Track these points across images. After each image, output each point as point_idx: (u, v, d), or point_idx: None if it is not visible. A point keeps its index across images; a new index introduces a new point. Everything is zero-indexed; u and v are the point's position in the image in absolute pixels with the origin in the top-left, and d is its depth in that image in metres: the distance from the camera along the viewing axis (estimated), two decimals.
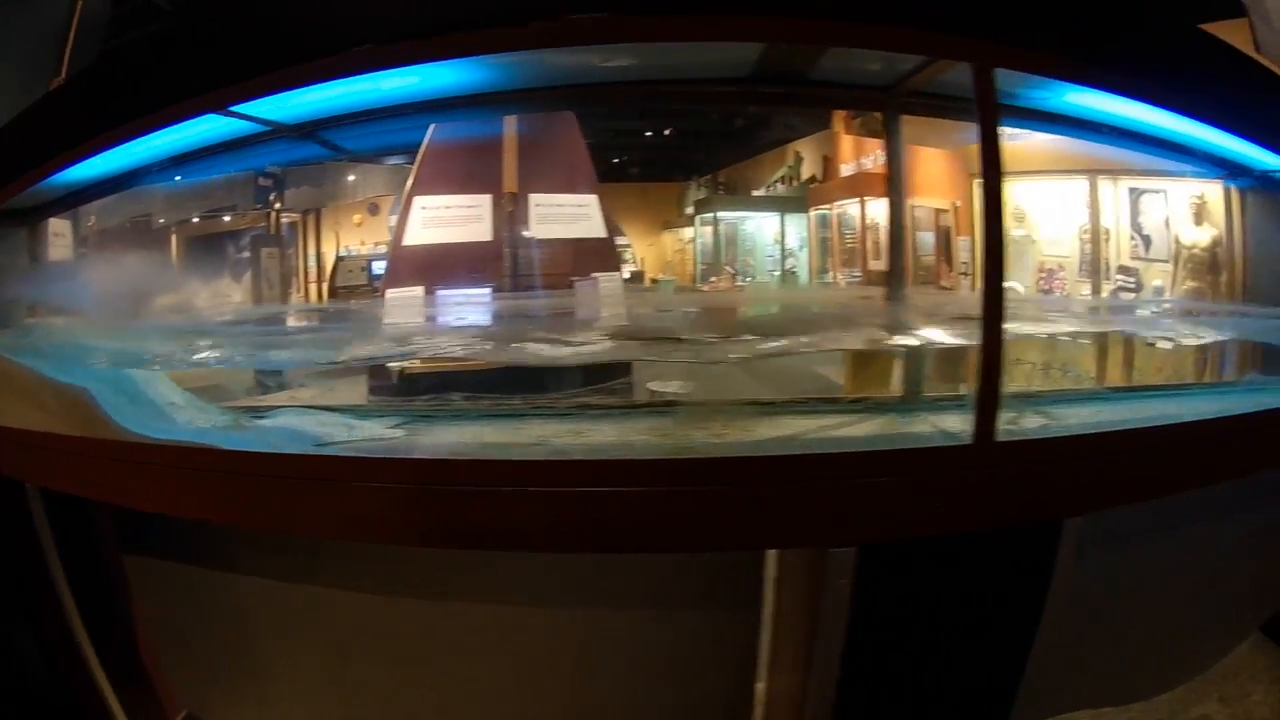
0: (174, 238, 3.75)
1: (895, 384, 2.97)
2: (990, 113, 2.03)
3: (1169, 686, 3.75)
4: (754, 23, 2.01)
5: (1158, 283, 3.83)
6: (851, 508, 1.98)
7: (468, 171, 3.35)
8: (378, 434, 2.57)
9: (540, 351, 2.62)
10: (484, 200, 3.32)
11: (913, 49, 2.17)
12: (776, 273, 4.46)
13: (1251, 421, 2.59)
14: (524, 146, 3.34)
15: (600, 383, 2.88)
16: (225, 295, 3.65)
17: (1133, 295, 3.75)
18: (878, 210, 3.44)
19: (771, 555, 2.27)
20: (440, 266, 3.30)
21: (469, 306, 3.26)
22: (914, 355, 2.87)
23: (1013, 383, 2.44)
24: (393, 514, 2.01)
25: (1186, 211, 3.91)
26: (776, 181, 4.82)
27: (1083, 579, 2.52)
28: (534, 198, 3.32)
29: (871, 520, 2.00)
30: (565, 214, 3.38)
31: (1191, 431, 2.42)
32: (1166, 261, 3.86)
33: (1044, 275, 3.70)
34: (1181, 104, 2.68)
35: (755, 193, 4.93)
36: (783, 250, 4.44)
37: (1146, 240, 3.83)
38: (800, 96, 2.81)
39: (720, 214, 4.86)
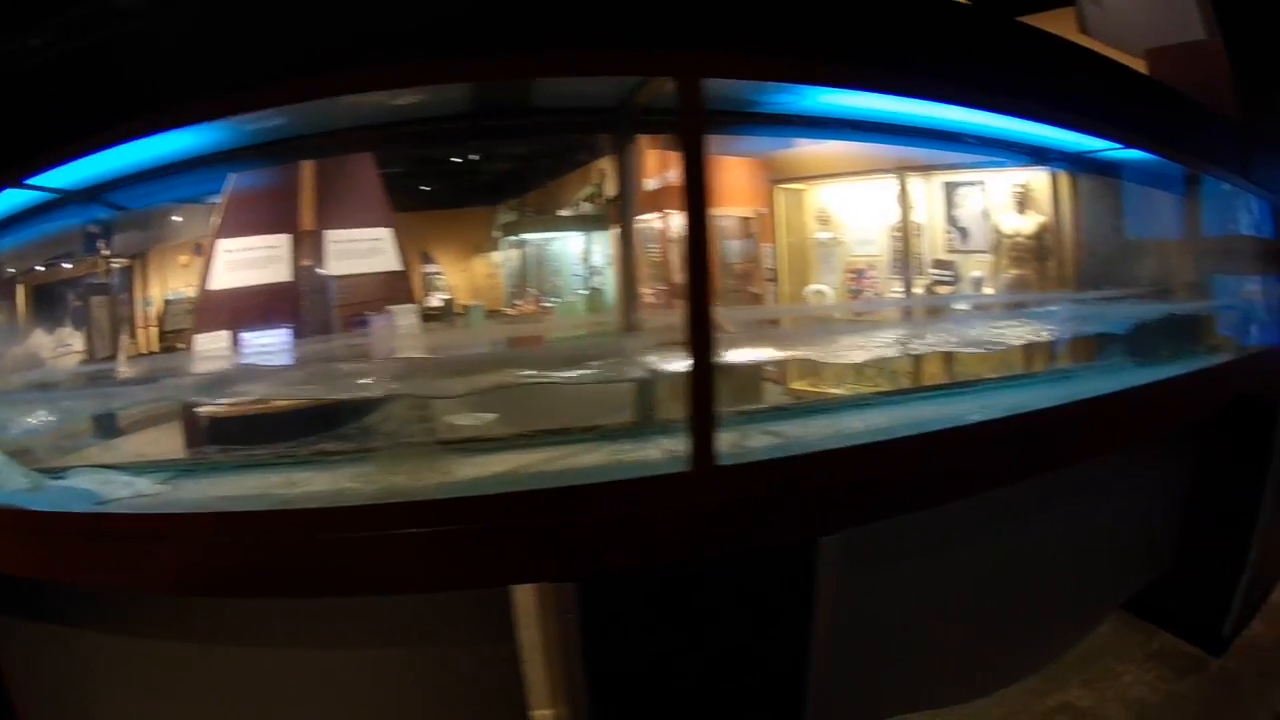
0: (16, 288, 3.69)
1: (650, 408, 2.89)
2: (696, 124, 1.98)
3: (1009, 681, 3.76)
4: (452, 66, 2.00)
5: (977, 273, 3.86)
6: (559, 542, 1.96)
7: (270, 213, 3.33)
8: (145, 490, 2.59)
9: (300, 395, 2.67)
10: (283, 240, 3.31)
11: (624, 70, 2.13)
12: (584, 292, 4.45)
13: (1016, 424, 2.62)
14: (322, 185, 3.33)
15: (348, 425, 2.78)
16: (65, 344, 3.57)
17: (950, 288, 3.77)
18: (678, 223, 3.44)
19: (518, 590, 2.23)
20: (244, 309, 3.28)
21: (265, 350, 3.21)
22: (656, 378, 2.79)
23: (743, 400, 2.48)
24: (147, 565, 2.07)
25: (1009, 200, 3.97)
26: (582, 200, 4.77)
27: (865, 589, 2.51)
28: (330, 234, 3.31)
29: (583, 553, 1.97)
30: (360, 249, 3.38)
31: (941, 440, 2.41)
32: (986, 252, 3.90)
33: (853, 275, 3.73)
34: (972, 97, 2.68)
35: (561, 213, 4.88)
36: (587, 269, 4.43)
37: (964, 232, 3.87)
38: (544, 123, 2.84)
39: (526, 236, 4.87)
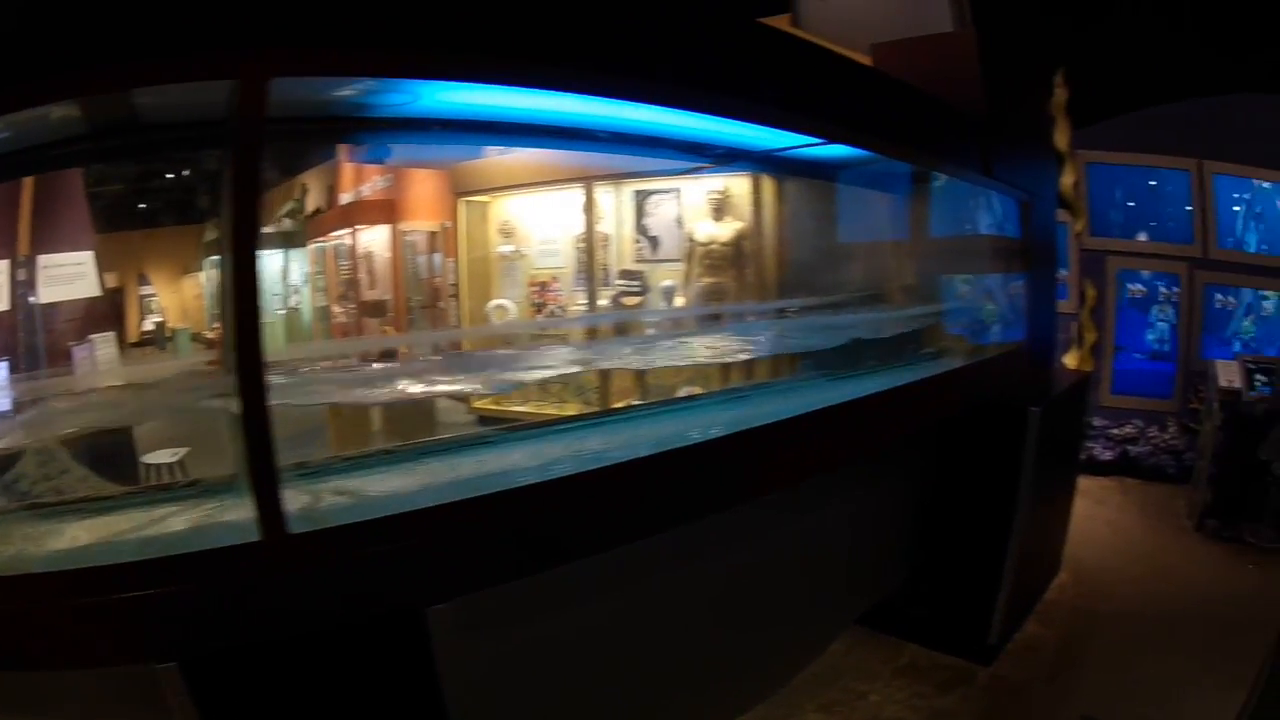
0: None
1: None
2: (252, 132, 1.77)
3: (728, 718, 3.66)
4: None
5: (667, 283, 3.83)
6: (136, 620, 1.77)
7: None
8: None
9: None
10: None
11: (187, 77, 1.83)
12: (282, 311, 4.25)
13: (671, 459, 2.54)
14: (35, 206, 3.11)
15: None
16: None
17: (639, 299, 3.70)
18: (370, 239, 3.44)
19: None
20: None
21: None
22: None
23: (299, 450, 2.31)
24: None
25: (706, 207, 3.95)
26: (284, 216, 4.59)
27: (511, 648, 2.39)
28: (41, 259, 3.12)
29: (159, 632, 1.78)
30: (65, 274, 3.19)
31: (598, 480, 2.32)
32: (678, 261, 3.89)
33: (536, 289, 3.65)
34: (650, 94, 2.56)
35: (264, 229, 4.60)
36: (285, 287, 4.24)
37: (654, 241, 3.86)
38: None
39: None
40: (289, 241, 4.13)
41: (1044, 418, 4.92)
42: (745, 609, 3.54)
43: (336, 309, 3.53)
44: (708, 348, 3.57)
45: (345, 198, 3.57)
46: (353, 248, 3.51)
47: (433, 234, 3.49)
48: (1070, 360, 9.66)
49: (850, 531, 4.43)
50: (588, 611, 2.72)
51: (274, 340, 3.23)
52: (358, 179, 3.48)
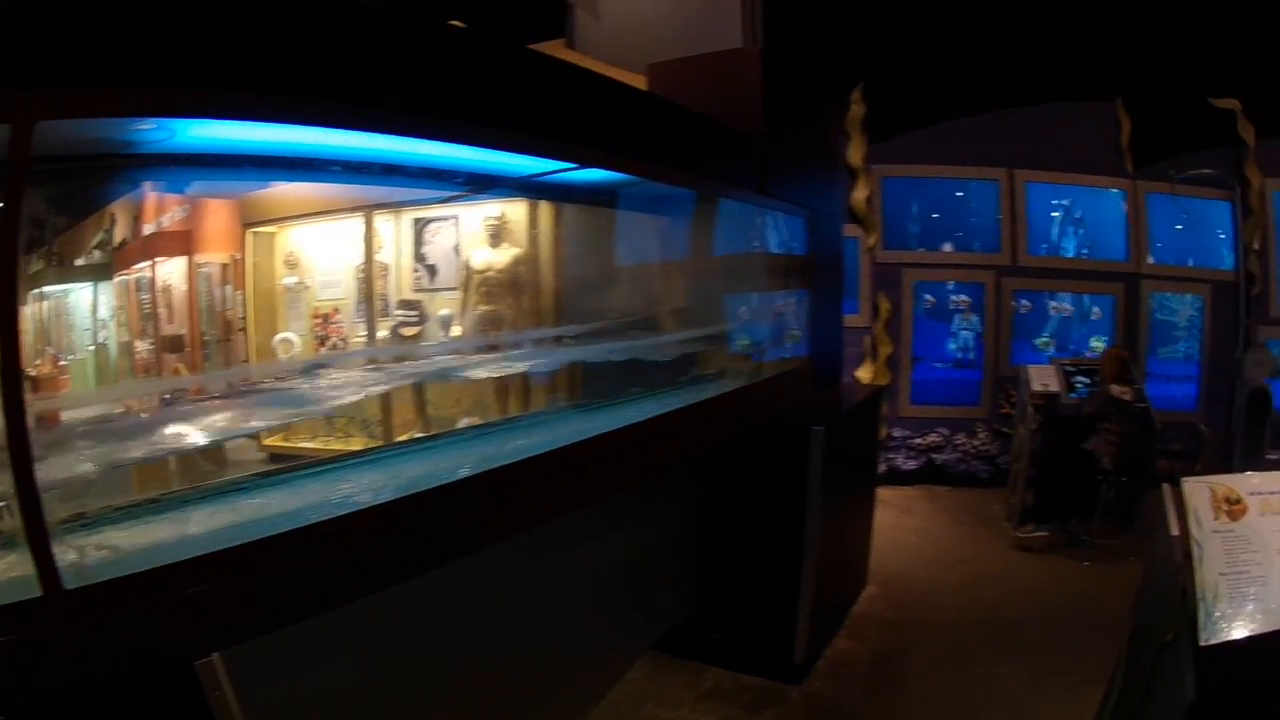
0: None
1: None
2: (18, 174, 1.94)
3: None
4: None
5: (445, 311, 4.14)
6: None
7: None
8: None
9: None
10: None
11: None
12: (91, 348, 4.34)
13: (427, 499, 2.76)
14: None
15: None
16: None
17: (416, 329, 4.01)
18: (167, 271, 3.54)
19: None
20: None
21: None
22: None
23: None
24: None
25: (483, 234, 4.26)
26: (95, 248, 4.64)
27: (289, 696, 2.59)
28: None
29: None
30: None
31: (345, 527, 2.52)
32: (455, 289, 4.18)
33: (319, 321, 3.87)
34: (409, 126, 2.84)
35: (77, 261, 4.77)
36: (95, 322, 4.34)
37: (432, 270, 4.15)
38: None
39: (45, 289, 4.71)
40: (98, 275, 4.27)
41: (828, 435, 5.26)
42: (526, 641, 3.81)
43: (139, 344, 3.66)
44: (473, 379, 3.83)
45: (147, 229, 3.64)
46: (152, 280, 3.59)
47: (224, 266, 3.59)
48: (864, 374, 10.52)
49: (630, 558, 4.71)
50: (366, 652, 2.92)
51: (83, 380, 3.51)
52: (159, 210, 3.58)
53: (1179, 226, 11.60)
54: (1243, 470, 8.67)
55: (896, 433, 10.84)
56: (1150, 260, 11.46)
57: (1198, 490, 3.10)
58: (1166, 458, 10.69)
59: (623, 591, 4.71)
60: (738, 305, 5.77)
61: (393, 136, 2.91)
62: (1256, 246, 11.27)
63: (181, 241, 3.57)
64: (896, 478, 10.58)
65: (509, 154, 3.50)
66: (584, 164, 3.80)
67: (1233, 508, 3.12)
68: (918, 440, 10.82)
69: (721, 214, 5.32)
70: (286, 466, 3.22)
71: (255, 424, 3.09)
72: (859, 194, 10.76)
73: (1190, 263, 11.61)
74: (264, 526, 2.48)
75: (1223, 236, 11.61)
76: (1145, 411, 8.96)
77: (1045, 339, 11.34)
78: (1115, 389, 8.47)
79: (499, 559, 3.43)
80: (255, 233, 3.73)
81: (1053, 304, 11.41)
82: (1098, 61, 11.95)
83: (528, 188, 4.15)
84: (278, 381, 3.37)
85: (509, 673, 3.72)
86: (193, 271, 3.57)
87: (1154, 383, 11.17)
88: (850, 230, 10.62)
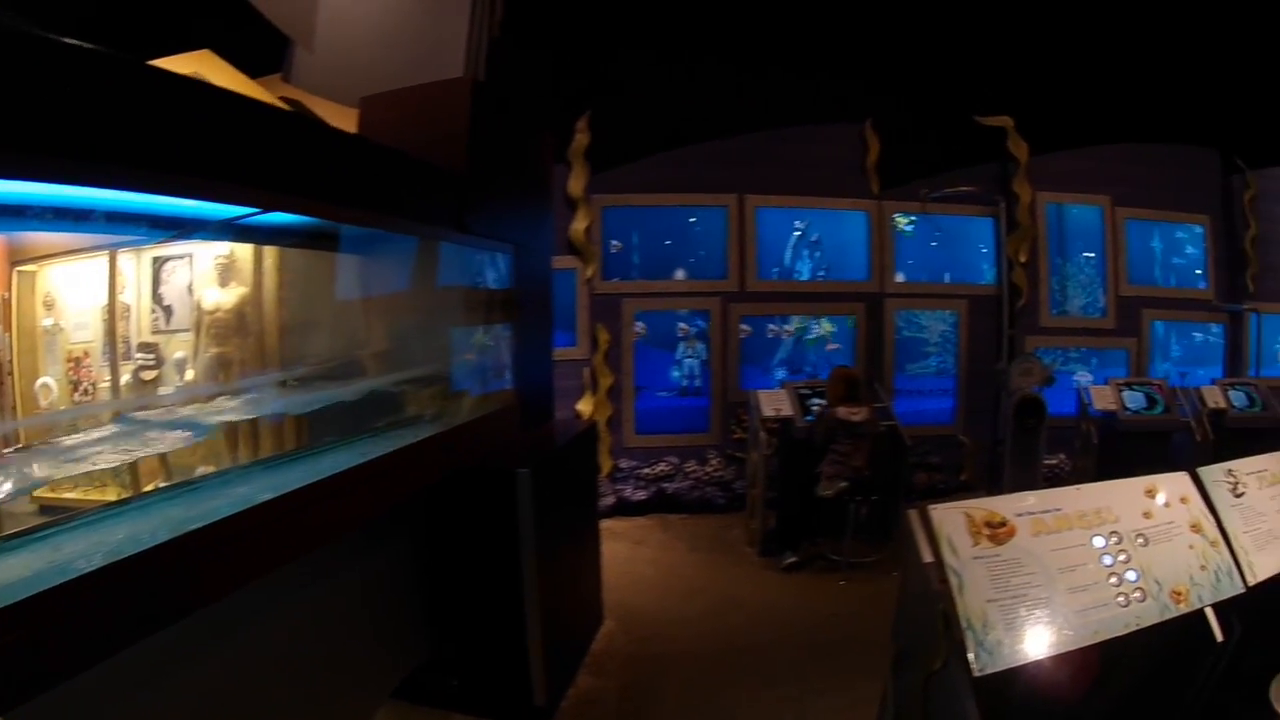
0: None
1: None
2: None
3: None
4: None
5: (180, 354, 4.46)
6: None
7: None
8: None
9: None
10: None
11: None
12: None
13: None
14: None
15: None
16: None
17: (155, 373, 4.35)
18: None
19: None
20: None
21: None
22: None
23: None
24: None
25: (213, 272, 4.60)
26: None
27: None
28: None
29: None
30: None
31: None
32: (189, 331, 4.50)
33: (72, 365, 4.18)
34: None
35: None
36: None
37: (169, 311, 4.46)
38: None
39: None
40: None
41: (536, 476, 5.71)
42: (252, 699, 4.11)
43: None
44: (166, 433, 3.98)
45: None
46: None
47: None
48: (585, 406, 11.33)
49: (355, 608, 5.12)
50: None
51: None
52: None
53: (934, 244, 13.21)
54: (1015, 477, 10.53)
55: (624, 464, 11.84)
56: (902, 278, 13.01)
57: (949, 517, 3.23)
58: (925, 470, 12.41)
59: (351, 642, 5.07)
60: (442, 345, 6.19)
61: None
62: (1024, 259, 13.01)
63: None
64: (627, 509, 11.60)
65: (169, 196, 3.59)
66: (235, 203, 4.00)
67: (996, 531, 3.31)
68: (646, 470, 11.87)
69: (424, 252, 5.82)
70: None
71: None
72: (578, 224, 11.76)
73: (947, 279, 13.25)
74: None
75: (985, 251, 13.39)
76: (891, 429, 10.17)
77: (784, 362, 12.75)
78: (843, 411, 9.26)
79: (215, 620, 3.64)
80: (19, 271, 3.98)
81: (785, 327, 12.68)
82: (847, 85, 13.39)
83: (232, 229, 4.39)
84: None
85: None
86: None
87: (906, 399, 12.79)
88: (569, 262, 11.66)
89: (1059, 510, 3.53)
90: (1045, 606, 3.19)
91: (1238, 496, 4.12)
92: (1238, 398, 12.32)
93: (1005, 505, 3.41)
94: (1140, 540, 3.64)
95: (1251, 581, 3.78)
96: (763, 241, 12.55)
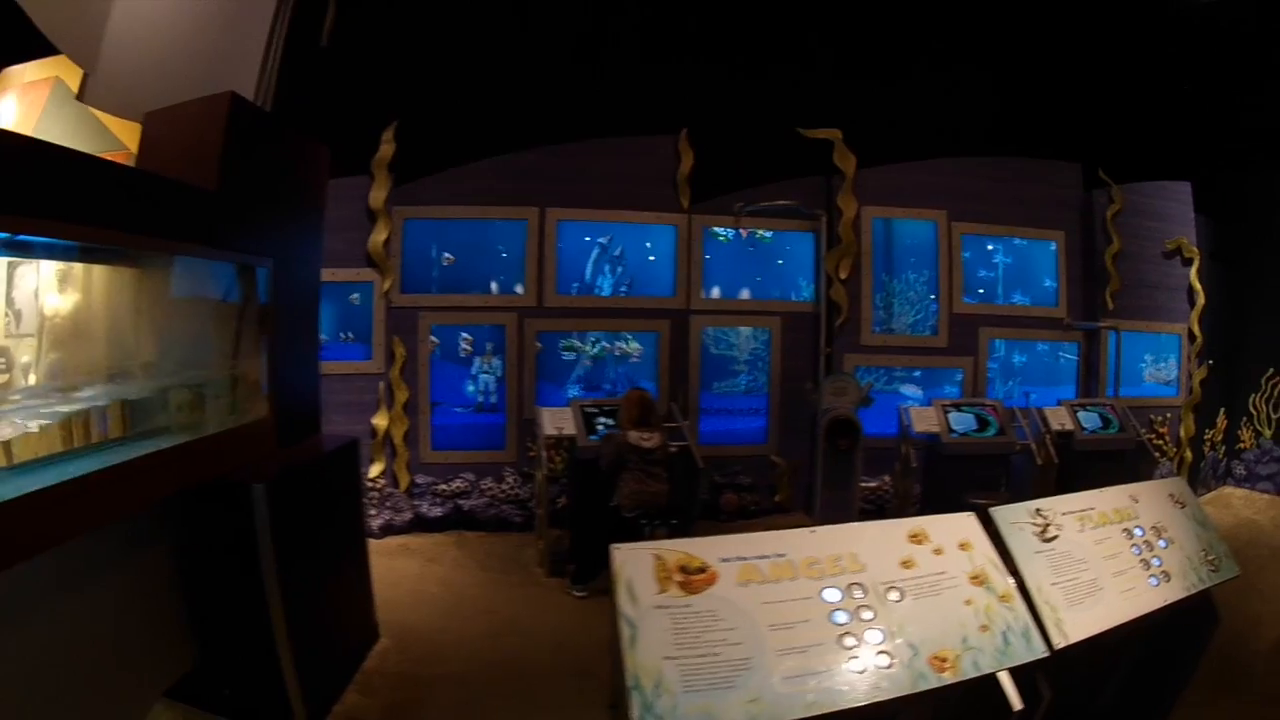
0: None
1: None
2: None
3: None
4: None
5: (26, 358, 4.64)
6: None
7: None
8: None
9: None
10: None
11: None
12: None
13: None
14: None
15: None
16: None
17: (5, 376, 4.48)
18: None
19: None
20: None
21: None
22: None
23: None
24: None
25: (54, 278, 4.76)
26: None
27: None
28: None
29: None
30: None
31: None
32: (34, 336, 4.66)
33: None
34: None
35: None
36: None
37: (19, 315, 4.62)
38: None
39: None
40: None
41: (277, 491, 5.84)
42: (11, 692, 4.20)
43: None
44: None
45: None
46: None
47: None
48: (380, 420, 11.72)
49: (114, 612, 5.26)
50: None
51: None
52: None
53: (745, 258, 13.51)
54: (828, 500, 11.48)
55: (420, 479, 12.26)
56: (716, 294, 13.37)
57: (634, 558, 3.06)
58: (735, 491, 12.81)
59: (118, 642, 5.28)
60: (189, 356, 6.18)
61: None
62: (844, 275, 13.33)
63: None
64: (425, 525, 12.03)
65: None
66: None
67: (691, 578, 3.07)
68: (443, 486, 12.29)
69: (179, 266, 5.89)
70: None
71: None
72: (377, 236, 12.13)
73: (760, 295, 13.54)
74: None
75: (806, 267, 13.68)
76: (684, 450, 10.35)
77: (581, 379, 13.08)
78: (634, 435, 9.28)
79: None
80: None
81: (579, 344, 13.02)
82: (664, 96, 13.33)
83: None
84: None
85: None
86: None
87: (714, 418, 13.24)
88: (368, 274, 12.21)
89: (782, 556, 3.34)
90: (744, 670, 2.95)
91: (1046, 541, 3.92)
92: (1089, 419, 12.65)
93: (710, 549, 3.23)
94: (893, 594, 3.42)
95: (1060, 643, 3.58)
96: (564, 256, 12.84)
